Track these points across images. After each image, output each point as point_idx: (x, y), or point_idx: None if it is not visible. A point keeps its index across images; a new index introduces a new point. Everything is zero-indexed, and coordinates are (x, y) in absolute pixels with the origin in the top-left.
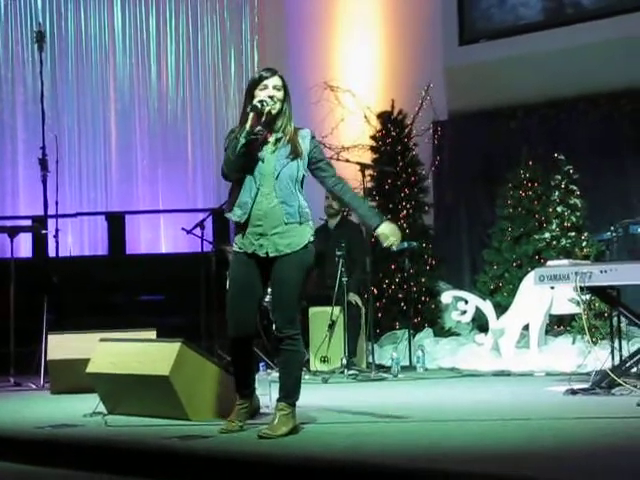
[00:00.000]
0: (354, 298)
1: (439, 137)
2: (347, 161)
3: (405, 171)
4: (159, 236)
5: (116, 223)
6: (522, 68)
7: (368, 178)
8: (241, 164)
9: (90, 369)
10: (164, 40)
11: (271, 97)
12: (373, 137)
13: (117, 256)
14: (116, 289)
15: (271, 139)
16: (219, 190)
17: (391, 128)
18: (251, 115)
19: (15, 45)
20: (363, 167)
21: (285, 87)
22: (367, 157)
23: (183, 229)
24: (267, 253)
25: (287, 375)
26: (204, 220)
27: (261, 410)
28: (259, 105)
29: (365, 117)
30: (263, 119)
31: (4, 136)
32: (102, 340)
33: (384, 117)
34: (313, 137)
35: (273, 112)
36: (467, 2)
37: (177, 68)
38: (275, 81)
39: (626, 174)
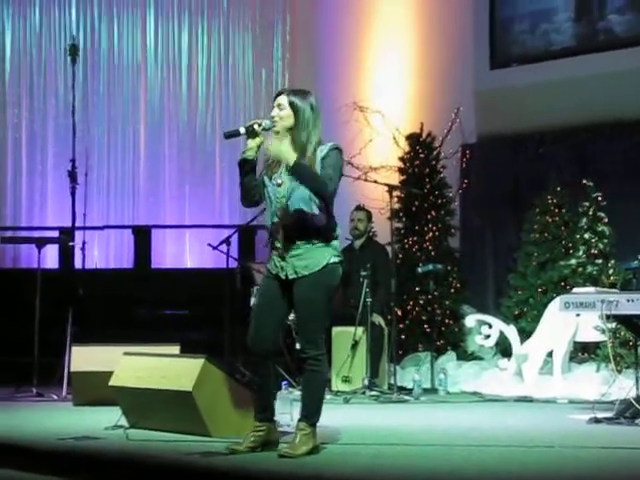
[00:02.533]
0: (377, 319)
1: (467, 160)
2: (375, 182)
3: (432, 193)
4: (184, 251)
5: (142, 237)
6: (552, 93)
7: (395, 199)
8: (244, 187)
9: (113, 382)
10: (195, 56)
11: (272, 116)
12: (401, 159)
13: (142, 270)
14: (141, 303)
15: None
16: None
17: (419, 150)
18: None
19: (48, 58)
20: (391, 188)
21: (298, 108)
22: (395, 178)
23: (209, 245)
24: (287, 275)
25: (309, 395)
26: (230, 236)
27: (282, 429)
28: (249, 128)
29: (394, 138)
30: (252, 138)
31: (34, 147)
32: (126, 354)
33: (413, 139)
34: (332, 149)
35: (276, 130)
36: (499, 26)
37: (208, 84)
38: (279, 100)
39: None
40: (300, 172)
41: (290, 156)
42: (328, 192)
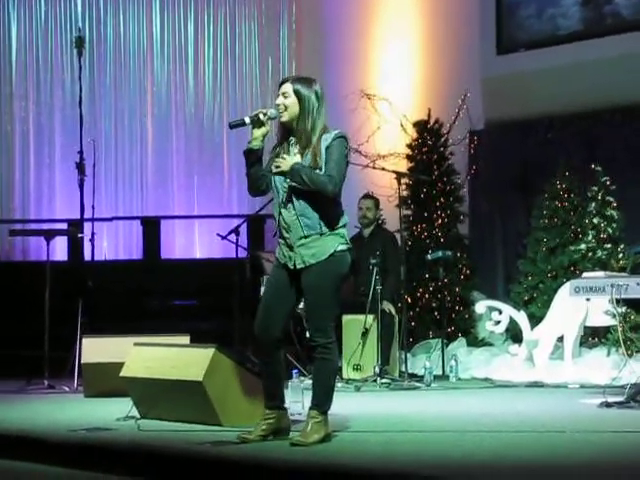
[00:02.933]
0: (388, 306)
1: (475, 146)
2: (383, 169)
3: (441, 180)
4: (194, 241)
5: (151, 228)
6: (560, 78)
7: (404, 187)
8: (250, 177)
9: (124, 373)
10: (202, 46)
11: (277, 105)
12: (409, 146)
13: (152, 261)
14: (150, 294)
15: (295, 151)
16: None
17: (427, 137)
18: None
19: (55, 50)
20: (399, 175)
21: (303, 96)
22: (403, 166)
23: (218, 235)
24: (295, 265)
25: (319, 383)
26: (239, 226)
27: (294, 417)
28: (254, 118)
29: (401, 125)
30: (257, 128)
31: (42, 140)
32: (136, 344)
33: (420, 126)
34: (336, 138)
35: (283, 119)
36: (505, 12)
37: (214, 74)
38: (283, 88)
39: None
40: (295, 179)
41: (286, 164)
42: (328, 193)
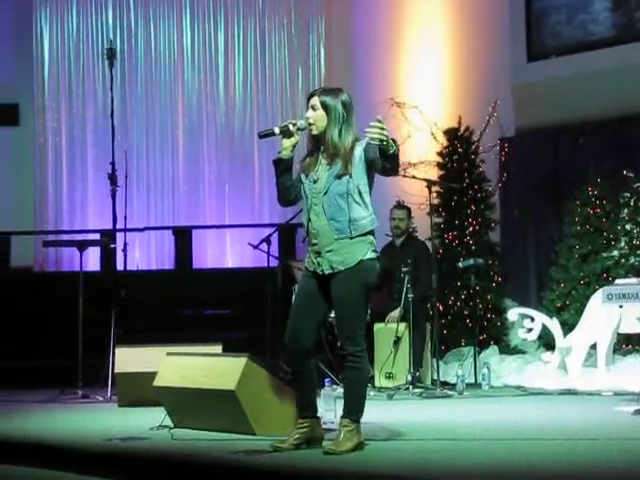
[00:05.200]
0: (393, 317)
1: (506, 154)
2: (413, 177)
3: (472, 188)
4: (225, 251)
5: (183, 237)
6: (590, 84)
7: (435, 194)
8: (280, 187)
9: (157, 382)
10: (232, 56)
11: (307, 117)
12: (440, 153)
13: (184, 270)
14: (182, 303)
15: (325, 159)
16: None
17: (458, 144)
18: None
19: (86, 61)
20: (430, 183)
21: (330, 106)
22: (433, 173)
23: (250, 244)
24: (323, 271)
25: (351, 392)
26: (270, 235)
27: (326, 426)
28: (284, 128)
29: (432, 133)
30: (287, 138)
31: (74, 151)
32: (169, 354)
33: (451, 133)
34: (369, 142)
35: (314, 132)
36: (536, 18)
37: (245, 84)
38: (312, 101)
39: None
40: (397, 155)
41: (390, 141)
42: (397, 168)
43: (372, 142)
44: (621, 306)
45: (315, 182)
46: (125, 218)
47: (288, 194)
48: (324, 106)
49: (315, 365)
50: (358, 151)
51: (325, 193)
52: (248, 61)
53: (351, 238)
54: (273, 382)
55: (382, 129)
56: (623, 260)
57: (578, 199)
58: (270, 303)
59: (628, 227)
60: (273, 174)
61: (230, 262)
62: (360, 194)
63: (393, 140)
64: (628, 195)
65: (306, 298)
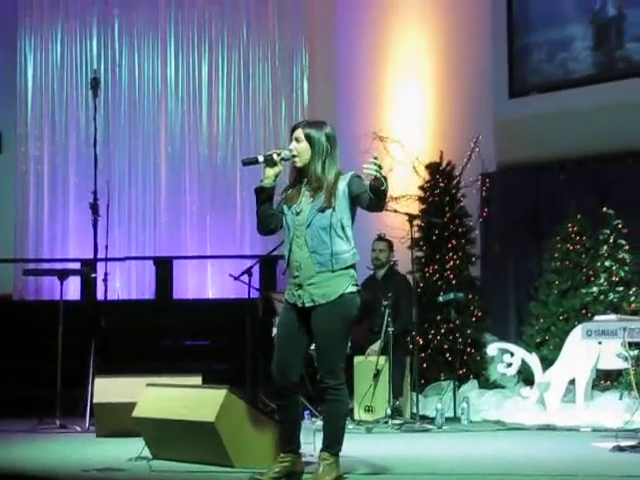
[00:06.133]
0: (373, 350)
1: (487, 189)
2: (395, 211)
3: (452, 222)
4: (206, 281)
5: (164, 268)
6: (571, 122)
7: (416, 228)
8: (260, 215)
9: (136, 413)
10: (215, 87)
11: (291, 149)
12: (421, 188)
13: (164, 301)
14: (163, 334)
15: (308, 191)
16: (266, 237)
17: (439, 179)
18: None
19: (70, 90)
20: (411, 217)
21: (314, 139)
22: (415, 207)
23: (231, 275)
24: (304, 304)
25: (330, 425)
26: (252, 267)
27: (305, 459)
28: (268, 157)
29: (414, 167)
30: (270, 167)
31: (56, 179)
32: (148, 385)
33: (432, 168)
34: (353, 177)
35: (297, 164)
36: (517, 55)
37: (228, 115)
38: (295, 134)
39: None
40: (384, 183)
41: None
42: (384, 204)
43: (368, 175)
44: (600, 342)
45: (298, 214)
46: (106, 247)
47: (268, 223)
48: (308, 139)
49: (300, 400)
50: (342, 185)
51: (308, 226)
52: (231, 92)
53: (333, 272)
54: (253, 414)
55: (379, 166)
56: (602, 296)
57: (558, 235)
58: (250, 335)
59: (607, 264)
60: (255, 206)
61: (211, 293)
62: (343, 228)
63: (384, 177)
64: (607, 232)
65: (289, 331)
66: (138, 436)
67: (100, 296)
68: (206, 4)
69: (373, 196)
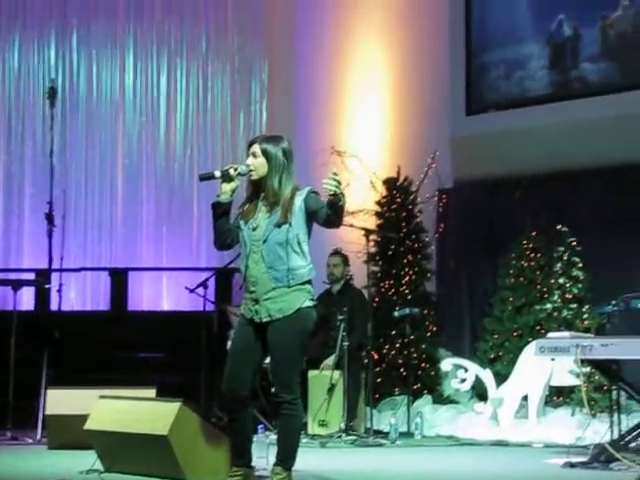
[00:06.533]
0: (328, 365)
1: (444, 205)
2: (351, 226)
3: (409, 237)
4: (161, 294)
5: (119, 279)
6: (528, 139)
7: (372, 243)
8: (217, 230)
9: (88, 426)
10: (174, 99)
11: (248, 165)
12: (378, 202)
13: (119, 312)
14: (117, 345)
15: (264, 206)
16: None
17: (396, 194)
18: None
19: (27, 100)
20: (367, 232)
21: (271, 154)
22: (371, 222)
23: (186, 288)
24: (261, 319)
25: (284, 439)
26: (207, 279)
27: (258, 473)
28: (225, 172)
29: (371, 182)
30: (227, 182)
31: (11, 189)
32: (102, 397)
33: (390, 183)
34: (310, 192)
35: (253, 177)
36: (475, 73)
37: (186, 127)
38: (252, 148)
39: (629, 247)
40: (343, 206)
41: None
42: (340, 222)
43: (328, 191)
44: (553, 359)
45: (254, 230)
46: (61, 258)
47: (224, 238)
48: (265, 154)
49: (252, 413)
50: (298, 201)
51: (264, 241)
52: (190, 105)
53: (289, 287)
54: (206, 428)
55: (339, 182)
56: (556, 313)
57: (513, 252)
58: (205, 348)
59: (561, 281)
60: (211, 218)
61: (166, 305)
62: (299, 243)
63: (342, 193)
64: (562, 249)
65: (242, 345)
66: (90, 449)
67: (54, 307)
68: (165, 16)
69: (331, 212)
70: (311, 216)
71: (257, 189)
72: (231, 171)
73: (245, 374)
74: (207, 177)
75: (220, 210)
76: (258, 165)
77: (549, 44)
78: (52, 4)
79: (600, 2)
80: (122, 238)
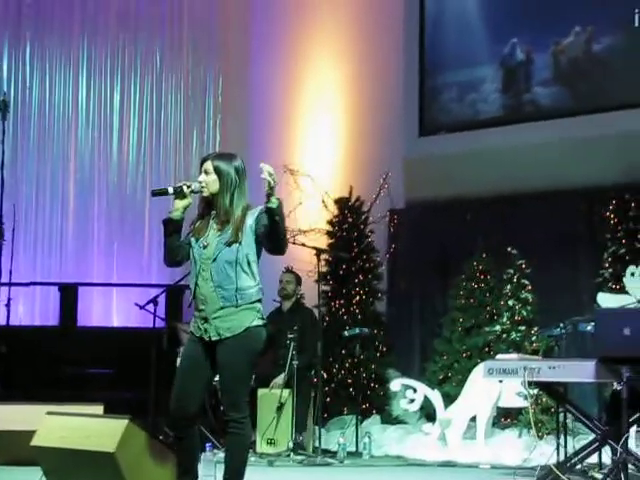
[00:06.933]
0: (278, 383)
1: (395, 225)
2: (303, 245)
3: (360, 257)
4: (111, 310)
5: (69, 294)
6: (479, 162)
7: (323, 262)
8: (167, 247)
9: (35, 442)
10: (127, 114)
11: (200, 182)
12: (330, 222)
13: (68, 328)
14: (65, 361)
15: (216, 224)
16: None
17: (348, 214)
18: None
19: None
20: (319, 252)
21: (223, 172)
22: (323, 242)
23: (136, 304)
24: (210, 337)
25: (232, 458)
26: (158, 296)
27: None
28: (177, 189)
29: (323, 202)
30: (180, 199)
31: None
32: (49, 413)
33: (342, 203)
34: (262, 212)
35: (204, 194)
36: (428, 95)
37: (139, 143)
38: (205, 166)
39: (577, 270)
40: (281, 216)
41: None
42: (284, 244)
43: (265, 181)
44: (501, 381)
45: (205, 247)
46: (10, 272)
47: (175, 255)
48: (217, 171)
49: (198, 431)
50: (250, 220)
51: (214, 260)
52: (143, 121)
53: (236, 307)
54: (154, 445)
55: (271, 174)
56: (505, 335)
57: (463, 273)
58: (154, 364)
59: (510, 303)
60: (162, 234)
61: (116, 321)
62: (248, 263)
63: (279, 200)
64: (511, 272)
65: (191, 363)
66: (37, 465)
67: (2, 321)
68: (120, 31)
69: (272, 225)
70: (260, 236)
71: (209, 206)
72: (184, 188)
73: (194, 392)
74: (160, 193)
75: (171, 227)
76: (210, 182)
77: (502, 67)
78: (6, 17)
79: (552, 28)
80: (73, 253)
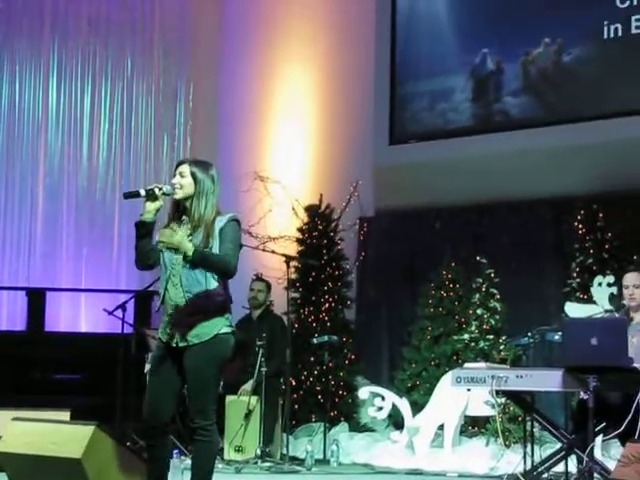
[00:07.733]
0: (246, 390)
1: (365, 233)
2: (273, 252)
3: (329, 265)
4: (79, 315)
5: (36, 299)
6: (449, 171)
7: (292, 270)
8: (139, 250)
9: (1, 448)
10: (97, 119)
11: (173, 183)
12: (300, 229)
13: (35, 333)
14: (32, 366)
15: (186, 229)
16: (143, 272)
17: (318, 221)
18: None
19: None
20: (288, 259)
21: (199, 179)
22: (293, 249)
23: (105, 310)
24: (177, 343)
25: (199, 465)
26: (126, 302)
27: None
28: (149, 191)
29: (293, 209)
30: (152, 201)
31: None
32: (15, 419)
33: (312, 210)
34: (230, 220)
35: (176, 196)
36: (399, 104)
37: (109, 148)
38: (181, 168)
39: (545, 280)
40: (200, 261)
41: (187, 246)
42: (230, 271)
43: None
44: (469, 389)
45: (176, 252)
46: None
47: (146, 258)
48: (193, 176)
49: (170, 440)
50: (218, 227)
51: (184, 266)
52: (113, 125)
53: (205, 313)
54: (121, 452)
55: (171, 235)
56: (473, 344)
57: (432, 282)
58: (122, 370)
59: (479, 312)
60: (133, 240)
61: (84, 327)
62: None
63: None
64: (480, 281)
65: (161, 370)
66: (2, 472)
67: None
68: (91, 35)
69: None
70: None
71: (180, 211)
72: (156, 190)
73: (165, 400)
74: (132, 195)
75: (143, 230)
76: (185, 184)
77: (473, 77)
78: None
79: (522, 38)
80: (41, 257)
